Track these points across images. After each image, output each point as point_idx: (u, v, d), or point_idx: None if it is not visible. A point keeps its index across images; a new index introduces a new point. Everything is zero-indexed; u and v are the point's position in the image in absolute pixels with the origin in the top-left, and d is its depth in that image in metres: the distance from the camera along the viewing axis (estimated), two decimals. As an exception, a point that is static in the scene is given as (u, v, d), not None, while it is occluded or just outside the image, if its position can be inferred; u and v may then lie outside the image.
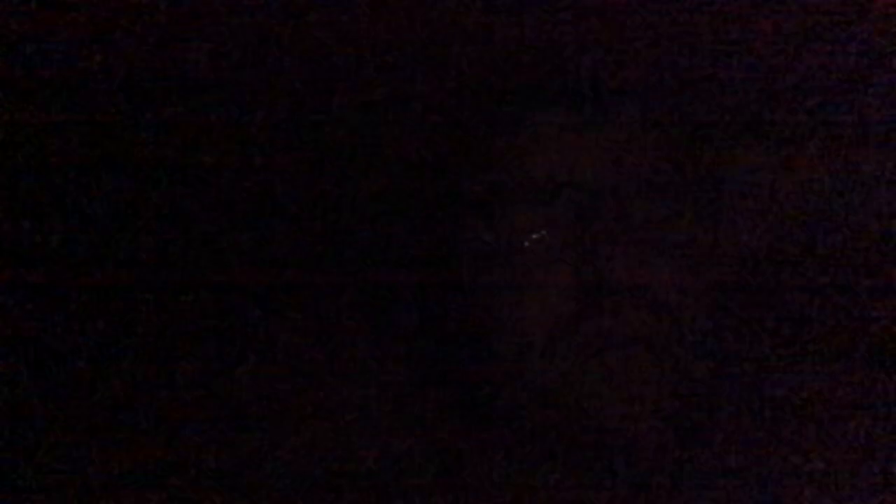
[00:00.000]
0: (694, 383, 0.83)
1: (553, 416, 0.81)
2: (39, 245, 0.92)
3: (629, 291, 0.79)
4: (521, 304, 0.81)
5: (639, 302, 0.79)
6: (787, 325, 0.92)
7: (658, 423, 0.80)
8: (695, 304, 0.82)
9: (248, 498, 0.89)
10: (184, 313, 0.93)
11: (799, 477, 0.88)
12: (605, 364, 0.80)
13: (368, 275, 0.93)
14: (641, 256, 0.80)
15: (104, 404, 0.91)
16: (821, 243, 0.93)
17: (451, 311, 0.86)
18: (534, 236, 0.81)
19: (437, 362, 0.88)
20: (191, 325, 0.93)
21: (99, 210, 0.93)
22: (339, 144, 0.92)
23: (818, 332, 0.92)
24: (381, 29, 0.81)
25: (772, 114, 0.89)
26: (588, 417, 0.80)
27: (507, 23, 0.81)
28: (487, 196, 0.83)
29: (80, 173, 0.93)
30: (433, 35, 0.82)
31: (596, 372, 0.80)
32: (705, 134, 0.88)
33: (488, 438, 0.85)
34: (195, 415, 0.92)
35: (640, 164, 0.82)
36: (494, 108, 0.85)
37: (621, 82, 0.84)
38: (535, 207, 0.81)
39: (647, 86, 0.85)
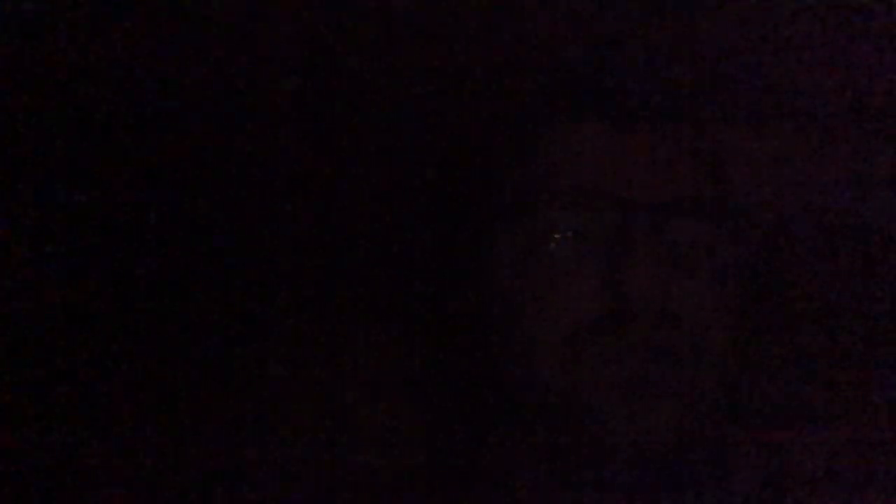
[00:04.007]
0: (710, 399, 0.82)
1: (566, 424, 0.81)
2: (39, 245, 0.93)
3: (650, 305, 0.79)
4: (542, 310, 0.81)
5: (659, 316, 0.79)
6: (805, 340, 0.93)
7: (671, 436, 0.80)
8: (715, 321, 0.82)
9: (249, 500, 0.89)
10: (184, 314, 0.93)
11: (800, 479, 0.89)
12: (621, 375, 0.80)
13: (387, 276, 0.93)
14: (666, 271, 0.80)
15: (103, 405, 0.91)
16: (843, 259, 0.93)
17: (469, 313, 0.86)
18: (558, 236, 0.82)
19: (449, 363, 0.88)
20: (191, 326, 0.93)
21: (98, 208, 0.93)
22: (363, 142, 0.92)
23: (835, 343, 0.93)
24: (410, 30, 0.82)
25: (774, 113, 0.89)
26: (601, 428, 0.80)
27: (542, 27, 0.81)
28: (517, 199, 0.84)
29: (79, 171, 0.93)
30: (467, 38, 0.82)
31: (611, 382, 0.80)
32: (739, 152, 0.89)
33: (498, 443, 0.85)
34: (196, 416, 0.91)
35: (673, 181, 0.82)
36: (532, 113, 0.85)
37: (660, 96, 0.84)
38: (564, 215, 0.82)
39: (684, 102, 0.85)
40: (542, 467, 0.83)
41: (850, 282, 0.93)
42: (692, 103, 0.85)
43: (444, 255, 0.88)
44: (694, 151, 0.84)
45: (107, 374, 0.92)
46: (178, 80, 0.88)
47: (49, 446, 0.89)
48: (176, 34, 0.85)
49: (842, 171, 0.92)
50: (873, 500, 0.87)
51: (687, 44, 0.82)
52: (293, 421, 0.91)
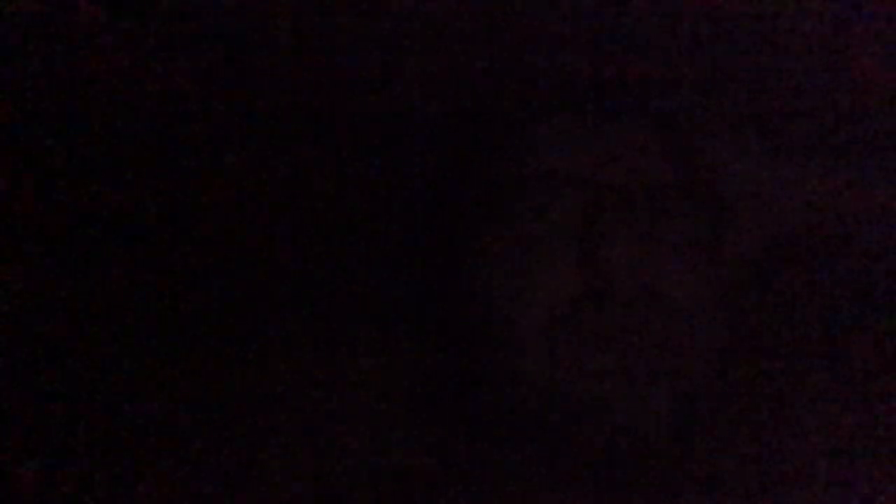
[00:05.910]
0: (694, 381, 0.83)
1: (552, 412, 0.81)
2: (40, 245, 0.93)
3: (630, 289, 0.80)
4: (523, 300, 0.82)
5: (639, 299, 0.80)
6: (788, 324, 0.93)
7: (658, 420, 0.81)
8: (696, 301, 0.82)
9: (248, 500, 0.89)
10: (183, 316, 0.94)
11: (799, 477, 0.89)
12: (605, 361, 0.80)
13: (369, 272, 0.93)
14: (643, 254, 0.80)
15: (103, 407, 0.91)
16: (822, 242, 0.93)
17: (452, 306, 0.86)
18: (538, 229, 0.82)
19: (435, 357, 0.89)
20: (190, 329, 0.93)
21: (99, 210, 0.93)
22: (343, 140, 0.92)
23: (819, 331, 0.93)
24: (386, 27, 0.82)
25: (772, 113, 0.89)
26: (587, 415, 0.80)
27: (510, 21, 0.81)
28: (492, 191, 0.84)
29: (78, 171, 0.93)
30: (438, 34, 0.82)
31: (596, 369, 0.80)
32: (708, 132, 0.89)
33: (487, 435, 0.85)
34: (196, 418, 0.92)
35: (644, 163, 0.83)
36: (501, 106, 0.86)
37: (625, 82, 0.85)
38: (540, 203, 0.82)
39: (651, 85, 0.85)
40: (535, 459, 0.83)
41: (836, 263, 0.94)
42: (666, 95, 0.86)
43: (426, 247, 0.88)
44: (666, 138, 0.85)
45: (106, 374, 0.92)
46: (176, 79, 0.89)
47: (48, 447, 0.90)
48: (176, 33, 0.85)
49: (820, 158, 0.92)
50: (868, 486, 0.87)
51: (659, 38, 0.82)
52: (290, 421, 0.92)
